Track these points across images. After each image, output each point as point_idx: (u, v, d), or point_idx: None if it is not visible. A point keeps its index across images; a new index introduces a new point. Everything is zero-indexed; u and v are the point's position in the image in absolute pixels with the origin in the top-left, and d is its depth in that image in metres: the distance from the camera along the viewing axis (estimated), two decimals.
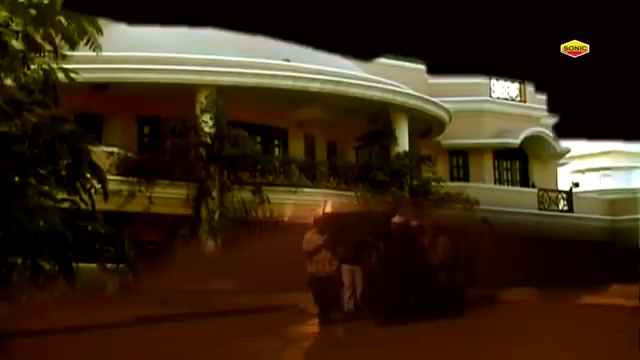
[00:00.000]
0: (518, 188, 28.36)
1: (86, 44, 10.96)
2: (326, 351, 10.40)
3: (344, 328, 11.72)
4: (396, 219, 12.51)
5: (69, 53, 10.94)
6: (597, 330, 10.68)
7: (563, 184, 32.25)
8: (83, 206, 10.21)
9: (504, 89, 28.91)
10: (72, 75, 10.64)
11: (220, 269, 17.18)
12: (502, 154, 28.57)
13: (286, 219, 19.06)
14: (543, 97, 30.32)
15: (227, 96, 19.96)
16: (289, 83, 20.67)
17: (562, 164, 32.46)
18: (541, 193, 26.98)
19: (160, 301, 14.51)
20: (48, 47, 10.54)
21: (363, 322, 11.79)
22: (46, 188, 9.87)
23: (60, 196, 10.09)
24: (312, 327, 11.91)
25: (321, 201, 18.14)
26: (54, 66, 10.49)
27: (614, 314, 12.33)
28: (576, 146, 31.26)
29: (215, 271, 17.20)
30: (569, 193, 28.24)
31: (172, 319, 12.93)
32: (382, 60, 25.62)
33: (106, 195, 10.50)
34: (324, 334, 11.48)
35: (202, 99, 19.99)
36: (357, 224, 13.11)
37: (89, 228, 10.02)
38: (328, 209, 14.18)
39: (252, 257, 15.97)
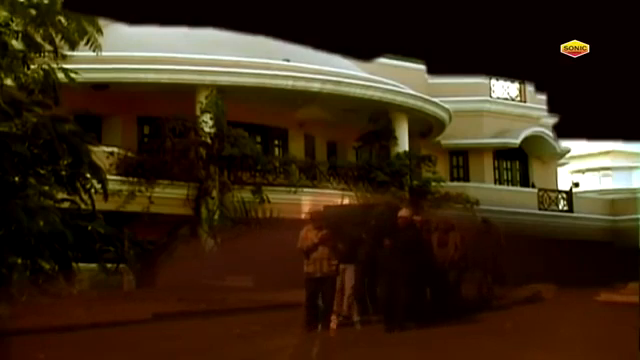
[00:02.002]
0: (518, 188, 28.33)
1: (86, 44, 10.98)
2: (346, 348, 10.15)
3: (350, 332, 11.02)
4: (403, 212, 11.52)
5: (69, 53, 10.96)
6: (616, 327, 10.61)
7: (563, 184, 32.23)
8: (83, 206, 10.24)
9: (504, 89, 28.88)
10: (72, 75, 10.67)
11: (229, 267, 17.17)
12: (502, 154, 28.54)
13: (287, 217, 19.01)
14: (543, 97, 30.22)
15: (227, 96, 19.95)
16: (289, 83, 20.65)
17: (562, 164, 32.43)
18: (541, 193, 26.96)
19: (177, 298, 14.54)
20: (48, 47, 10.54)
21: (370, 326, 11.15)
22: (46, 188, 9.89)
23: (60, 196, 10.11)
24: (332, 324, 11.22)
25: (321, 201, 18.12)
26: (54, 66, 10.51)
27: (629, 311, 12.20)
28: (576, 146, 31.22)
29: (225, 269, 17.19)
30: (569, 193, 28.23)
31: (189, 316, 12.94)
32: (382, 60, 25.54)
33: (106, 195, 10.55)
34: (343, 331, 10.97)
35: (202, 99, 19.97)
36: (358, 219, 12.12)
37: (89, 228, 10.05)
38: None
39: (260, 254, 15.87)
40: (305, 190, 20.33)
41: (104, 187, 10.37)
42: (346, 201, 19.28)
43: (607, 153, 36.18)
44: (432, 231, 12.82)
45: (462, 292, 13.18)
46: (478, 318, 12.13)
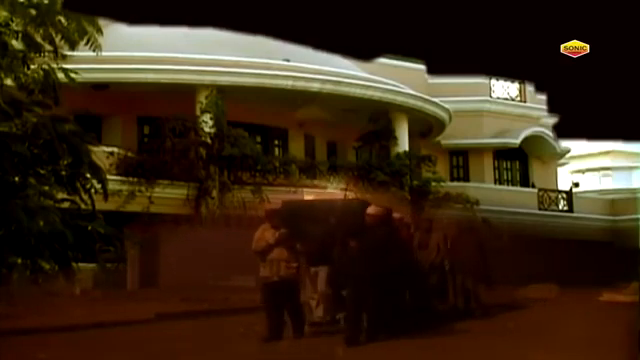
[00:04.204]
0: (518, 188, 28.33)
1: (86, 44, 10.97)
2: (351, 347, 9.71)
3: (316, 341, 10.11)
4: (371, 210, 10.21)
5: (69, 53, 10.95)
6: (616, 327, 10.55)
7: (563, 184, 32.23)
8: (83, 206, 10.23)
9: (504, 89, 28.88)
10: (72, 75, 10.65)
11: (231, 266, 17.16)
12: (502, 154, 28.55)
13: None
14: (543, 97, 30.19)
15: (227, 96, 19.95)
16: (289, 83, 20.65)
17: (562, 164, 32.43)
18: (541, 193, 26.96)
19: (180, 298, 14.54)
20: (48, 47, 10.54)
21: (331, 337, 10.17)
22: (46, 188, 9.88)
23: (60, 196, 10.11)
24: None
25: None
26: (54, 66, 10.50)
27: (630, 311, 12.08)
28: (576, 146, 31.24)
29: (227, 269, 17.19)
30: (569, 193, 28.24)
31: (192, 316, 12.96)
32: (382, 60, 25.60)
33: (106, 195, 10.53)
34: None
35: (202, 99, 19.98)
36: (320, 216, 11.00)
37: (89, 228, 10.04)
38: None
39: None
40: (305, 190, 20.31)
41: (104, 187, 10.36)
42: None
43: (607, 153, 36.18)
44: (411, 231, 11.84)
45: (446, 299, 12.25)
46: (464, 326, 11.39)
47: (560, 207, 26.99)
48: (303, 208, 12.32)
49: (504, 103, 28.67)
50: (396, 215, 11.29)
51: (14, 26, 10.23)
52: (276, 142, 23.65)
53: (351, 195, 19.06)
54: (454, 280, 12.63)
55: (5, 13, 10.10)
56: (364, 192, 20.83)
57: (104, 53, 11.57)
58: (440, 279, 12.09)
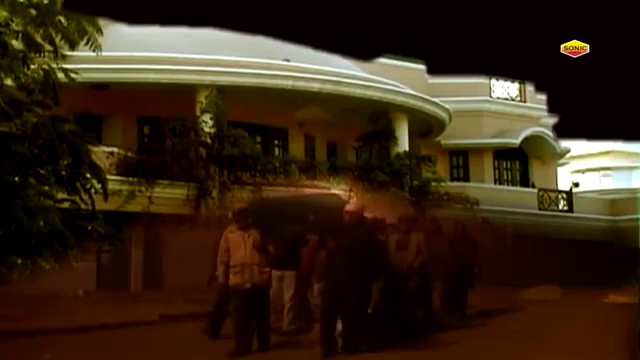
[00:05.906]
0: (518, 188, 28.34)
1: (86, 44, 10.98)
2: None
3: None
4: (350, 207, 9.38)
5: (69, 53, 10.96)
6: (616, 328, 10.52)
7: (563, 184, 32.24)
8: (83, 206, 10.24)
9: (504, 89, 28.90)
10: (72, 75, 10.66)
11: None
12: (502, 154, 28.56)
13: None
14: (543, 97, 30.26)
15: (227, 96, 19.96)
16: (289, 83, 20.65)
17: (562, 164, 32.45)
18: (541, 193, 26.97)
19: (183, 299, 14.51)
20: (48, 47, 10.55)
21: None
22: (46, 188, 9.89)
23: (60, 196, 10.12)
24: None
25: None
26: (54, 66, 10.51)
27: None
28: (576, 146, 31.25)
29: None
30: (569, 193, 28.24)
31: (196, 317, 12.93)
32: (382, 60, 25.64)
33: (106, 195, 10.54)
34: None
35: (202, 99, 19.98)
36: (295, 215, 10.43)
37: (89, 228, 10.05)
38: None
39: None
40: (305, 190, 20.30)
41: (104, 187, 10.37)
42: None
43: (607, 153, 36.20)
44: (390, 231, 11.03)
45: (426, 305, 11.38)
46: (465, 328, 11.17)
47: (560, 207, 26.99)
48: (274, 206, 11.75)
49: (504, 103, 28.68)
50: (376, 213, 10.61)
51: (14, 26, 10.24)
52: (276, 142, 23.65)
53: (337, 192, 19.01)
54: (439, 282, 11.98)
55: (5, 13, 10.12)
56: (364, 192, 20.84)
57: (104, 53, 11.56)
58: (422, 282, 11.14)
